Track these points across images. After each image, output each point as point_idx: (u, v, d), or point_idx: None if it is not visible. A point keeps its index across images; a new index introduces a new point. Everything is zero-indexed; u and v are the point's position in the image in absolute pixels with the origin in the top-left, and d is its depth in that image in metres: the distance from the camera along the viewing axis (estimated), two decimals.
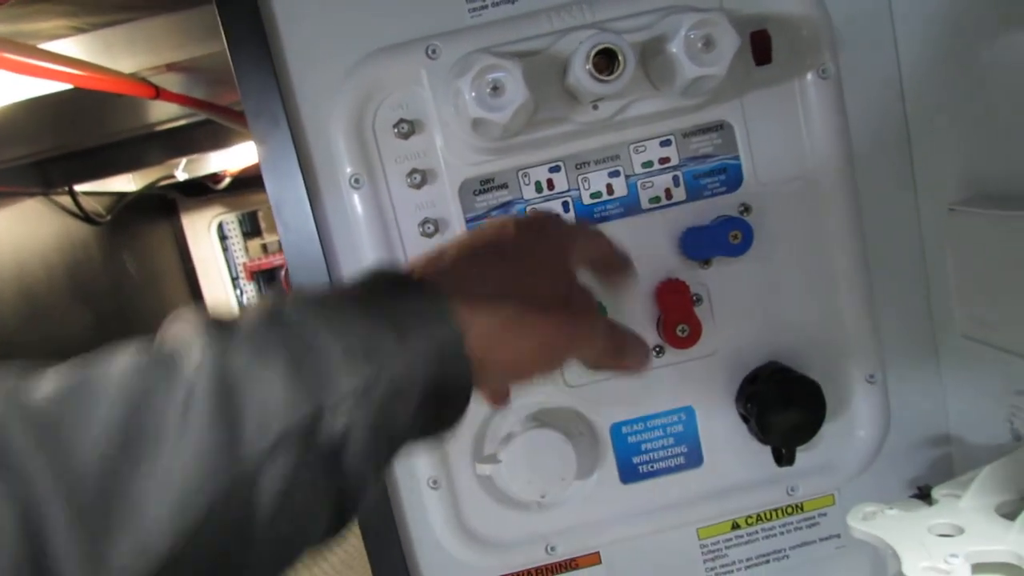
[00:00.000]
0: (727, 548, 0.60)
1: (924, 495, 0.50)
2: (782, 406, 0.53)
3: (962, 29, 0.51)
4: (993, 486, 0.46)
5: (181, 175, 1.93)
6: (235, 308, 0.31)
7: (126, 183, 2.05)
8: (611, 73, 0.45)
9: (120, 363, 0.27)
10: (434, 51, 0.51)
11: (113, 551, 0.23)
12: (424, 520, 0.57)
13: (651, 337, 0.55)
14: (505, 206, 0.54)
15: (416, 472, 0.56)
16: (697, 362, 0.56)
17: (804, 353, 0.56)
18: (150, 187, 2.03)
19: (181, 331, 0.28)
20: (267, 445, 0.26)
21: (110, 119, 1.28)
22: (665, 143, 0.54)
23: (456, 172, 0.53)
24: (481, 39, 0.50)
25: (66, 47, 0.89)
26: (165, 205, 2.39)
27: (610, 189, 0.54)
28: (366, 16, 0.51)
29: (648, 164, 0.54)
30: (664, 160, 0.54)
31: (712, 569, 0.60)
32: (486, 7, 0.52)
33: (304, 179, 0.52)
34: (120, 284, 1.94)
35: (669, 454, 0.58)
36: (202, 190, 2.31)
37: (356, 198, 0.53)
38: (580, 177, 0.54)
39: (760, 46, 0.52)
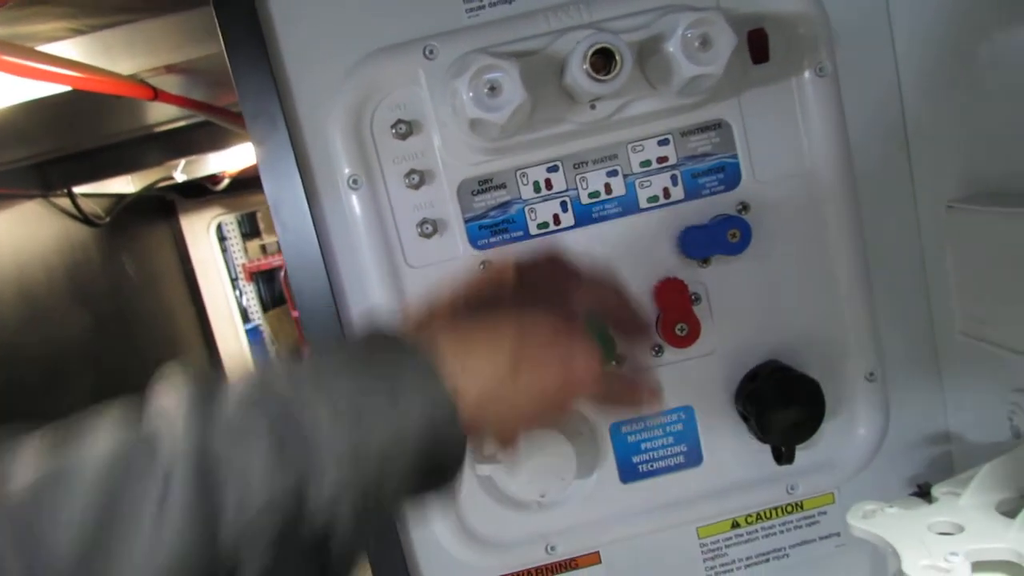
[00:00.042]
0: (727, 547, 0.60)
1: (924, 493, 0.50)
2: (782, 404, 0.53)
3: (959, 27, 0.51)
4: (993, 484, 0.46)
5: (180, 176, 1.93)
6: (227, 371, 0.31)
7: (125, 185, 2.05)
8: (608, 73, 0.45)
9: (100, 446, 0.27)
10: (432, 51, 0.51)
11: None
12: (424, 520, 0.57)
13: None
14: (503, 206, 0.54)
15: None
16: (696, 361, 0.56)
17: (803, 351, 0.56)
18: (149, 188, 2.03)
19: (166, 405, 0.29)
20: (247, 530, 0.27)
21: (109, 121, 1.27)
22: (663, 142, 0.54)
23: (454, 172, 0.53)
24: (478, 39, 0.50)
25: (65, 49, 0.89)
26: (164, 206, 2.39)
27: (608, 188, 0.54)
28: (363, 17, 0.51)
29: (646, 163, 0.54)
30: (662, 159, 0.54)
31: (712, 568, 0.60)
32: (483, 7, 0.52)
33: (302, 180, 0.52)
34: (119, 285, 1.94)
35: (669, 453, 0.58)
36: (201, 191, 2.31)
37: (354, 199, 0.53)
38: (578, 177, 0.54)
39: (757, 44, 0.52)
